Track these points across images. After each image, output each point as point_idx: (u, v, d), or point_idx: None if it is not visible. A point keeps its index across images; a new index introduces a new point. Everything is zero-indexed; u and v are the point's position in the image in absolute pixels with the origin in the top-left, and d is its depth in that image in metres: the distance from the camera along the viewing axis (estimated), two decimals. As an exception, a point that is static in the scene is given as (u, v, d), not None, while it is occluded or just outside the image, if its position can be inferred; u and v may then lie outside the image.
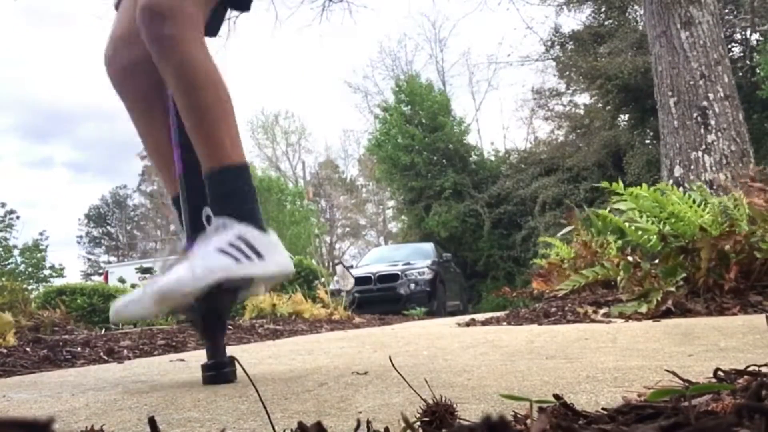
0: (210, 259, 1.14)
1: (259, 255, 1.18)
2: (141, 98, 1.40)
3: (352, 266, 11.67)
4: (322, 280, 7.83)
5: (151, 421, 0.59)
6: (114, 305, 1.25)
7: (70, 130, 62.58)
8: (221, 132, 1.19)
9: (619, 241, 3.77)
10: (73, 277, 37.28)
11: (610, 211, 4.44)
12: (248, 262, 1.16)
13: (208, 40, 1.31)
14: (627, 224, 3.44)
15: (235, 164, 1.21)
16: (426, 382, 1.11)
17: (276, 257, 1.23)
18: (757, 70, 12.09)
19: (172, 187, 1.39)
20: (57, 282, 22.09)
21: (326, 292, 6.38)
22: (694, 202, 3.12)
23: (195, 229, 1.27)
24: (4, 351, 2.56)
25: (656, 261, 3.18)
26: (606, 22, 16.49)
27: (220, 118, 1.20)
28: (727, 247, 2.81)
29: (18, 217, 27.54)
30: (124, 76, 1.39)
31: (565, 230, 5.09)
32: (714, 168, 4.42)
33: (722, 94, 4.59)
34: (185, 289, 1.12)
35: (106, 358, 2.52)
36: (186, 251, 1.25)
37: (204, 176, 1.22)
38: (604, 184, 3.16)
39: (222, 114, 1.20)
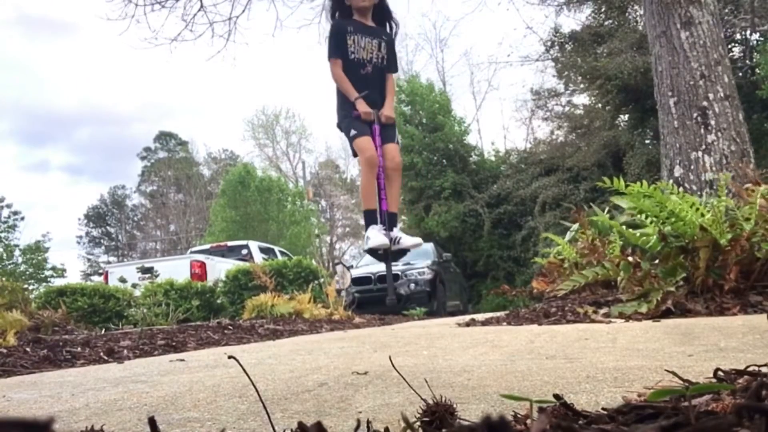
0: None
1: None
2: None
3: (352, 266, 11.67)
4: (322, 280, 7.83)
5: (151, 421, 0.59)
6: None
7: (66, 134, 62.86)
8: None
9: (620, 242, 3.77)
10: (73, 277, 37.34)
11: (609, 211, 4.43)
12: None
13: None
14: (624, 227, 3.44)
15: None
16: (426, 382, 1.11)
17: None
18: (757, 70, 12.09)
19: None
20: (58, 282, 22.11)
21: (334, 291, 6.42)
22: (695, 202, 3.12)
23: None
24: (4, 351, 2.56)
25: (656, 261, 3.18)
26: (606, 23, 16.46)
27: None
28: (728, 248, 2.81)
29: (23, 218, 27.60)
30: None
31: (572, 229, 5.09)
32: (714, 168, 4.42)
33: (722, 94, 4.59)
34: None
35: (106, 358, 2.52)
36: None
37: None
38: (606, 181, 3.15)
39: None
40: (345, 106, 3.83)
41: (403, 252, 3.78)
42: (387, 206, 3.71)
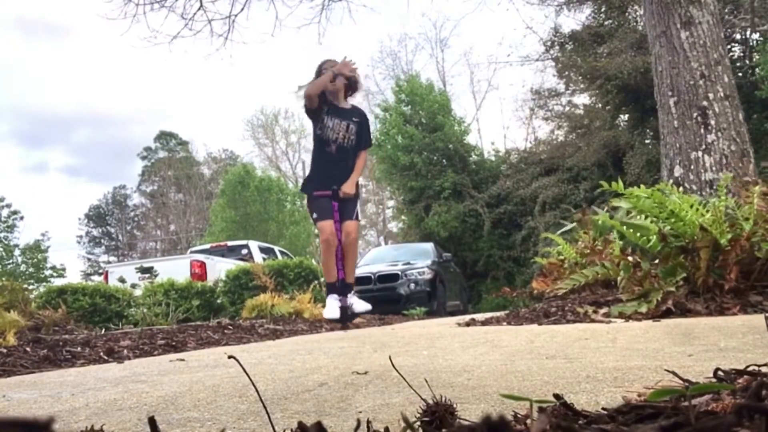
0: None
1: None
2: None
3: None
4: (321, 280, 7.83)
5: (151, 421, 0.59)
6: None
7: (64, 136, 62.96)
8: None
9: (620, 241, 3.77)
10: (73, 277, 37.32)
11: (607, 211, 4.43)
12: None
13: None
14: (624, 226, 3.43)
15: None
16: (426, 382, 1.11)
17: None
18: (757, 70, 12.09)
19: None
20: (58, 282, 22.09)
21: None
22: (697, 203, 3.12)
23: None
24: (4, 351, 2.56)
25: (656, 261, 3.17)
26: (606, 22, 16.45)
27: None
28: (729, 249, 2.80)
29: (22, 218, 27.58)
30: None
31: (565, 228, 5.09)
32: (714, 168, 4.42)
33: (722, 94, 4.58)
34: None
35: (106, 358, 2.52)
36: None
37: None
38: (604, 184, 3.15)
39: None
40: (309, 183, 4.32)
41: (357, 315, 4.44)
42: (344, 276, 4.23)
